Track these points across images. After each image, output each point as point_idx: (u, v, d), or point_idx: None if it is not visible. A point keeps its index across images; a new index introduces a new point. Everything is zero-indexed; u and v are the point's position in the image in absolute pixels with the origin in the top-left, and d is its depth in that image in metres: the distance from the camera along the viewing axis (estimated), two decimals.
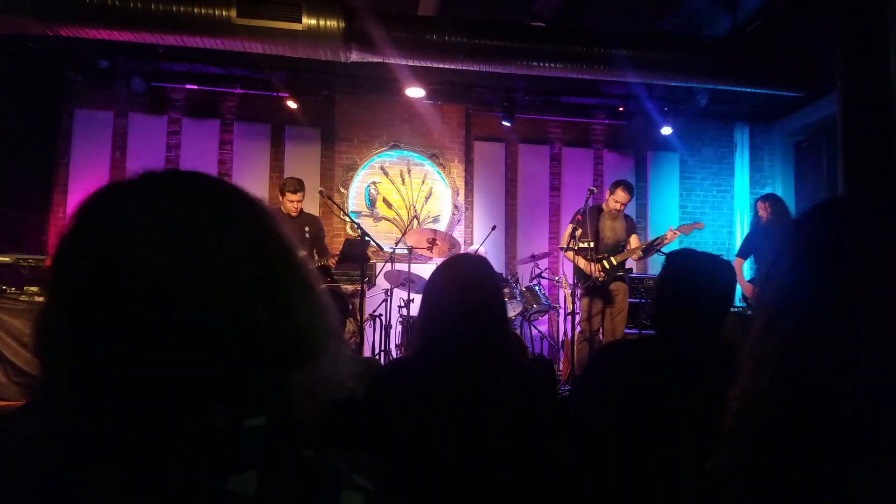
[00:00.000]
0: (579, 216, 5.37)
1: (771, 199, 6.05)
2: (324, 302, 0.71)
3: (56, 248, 0.65)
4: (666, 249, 5.41)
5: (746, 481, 0.76)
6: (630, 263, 5.84)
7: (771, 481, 0.74)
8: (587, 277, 5.42)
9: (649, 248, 5.63)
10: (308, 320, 0.67)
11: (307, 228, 5.49)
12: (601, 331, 5.54)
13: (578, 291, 5.64)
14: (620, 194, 5.52)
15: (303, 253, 0.73)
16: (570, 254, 5.56)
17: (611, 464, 1.72)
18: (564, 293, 6.30)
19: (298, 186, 5.46)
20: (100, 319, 0.59)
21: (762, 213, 5.99)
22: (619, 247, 5.62)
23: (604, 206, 5.64)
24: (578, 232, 5.36)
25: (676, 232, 5.49)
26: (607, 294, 5.50)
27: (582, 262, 5.48)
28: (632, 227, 5.80)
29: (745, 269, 6.46)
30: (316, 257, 5.49)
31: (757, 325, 0.82)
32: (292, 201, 5.41)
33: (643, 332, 5.99)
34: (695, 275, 1.92)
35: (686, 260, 2.01)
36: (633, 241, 5.71)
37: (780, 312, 0.79)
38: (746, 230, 8.39)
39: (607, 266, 5.50)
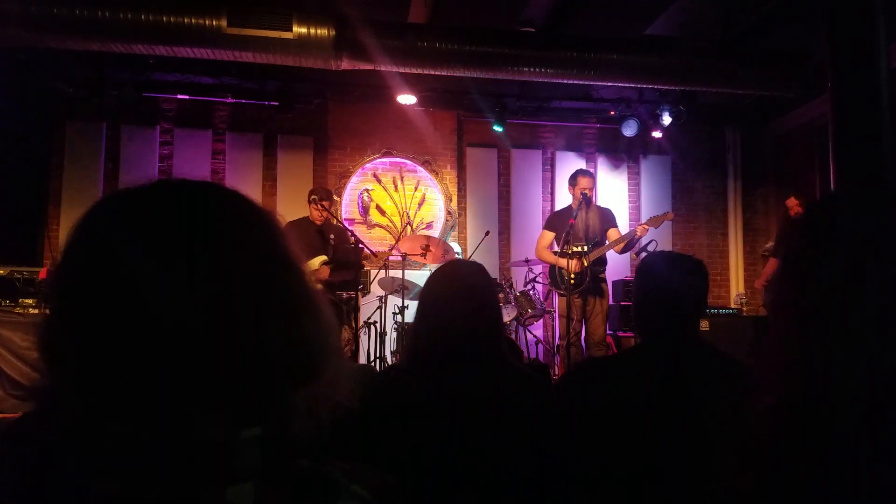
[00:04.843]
0: (572, 220, 5.32)
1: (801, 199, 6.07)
2: (328, 319, 0.70)
3: (60, 257, 0.64)
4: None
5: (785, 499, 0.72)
6: (613, 260, 5.71)
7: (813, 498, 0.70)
8: (560, 283, 5.38)
9: (628, 247, 5.55)
10: (312, 338, 0.67)
11: (332, 236, 5.52)
12: (583, 334, 5.48)
13: (555, 296, 5.54)
14: (582, 181, 5.48)
15: (322, 259, 0.73)
16: (552, 258, 5.53)
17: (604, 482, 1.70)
18: (559, 296, 6.30)
19: (325, 195, 5.61)
20: (101, 330, 0.59)
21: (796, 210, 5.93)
22: (595, 242, 5.45)
23: (573, 203, 5.55)
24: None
25: (646, 226, 5.33)
26: (584, 297, 5.38)
27: (562, 261, 5.33)
28: (610, 221, 5.62)
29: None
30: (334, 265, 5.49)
31: (775, 332, 0.80)
32: (318, 209, 5.49)
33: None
34: (667, 279, 1.86)
35: (655, 265, 1.96)
36: (612, 235, 5.55)
37: (795, 317, 0.77)
38: (741, 232, 8.42)
39: (576, 271, 5.26)
